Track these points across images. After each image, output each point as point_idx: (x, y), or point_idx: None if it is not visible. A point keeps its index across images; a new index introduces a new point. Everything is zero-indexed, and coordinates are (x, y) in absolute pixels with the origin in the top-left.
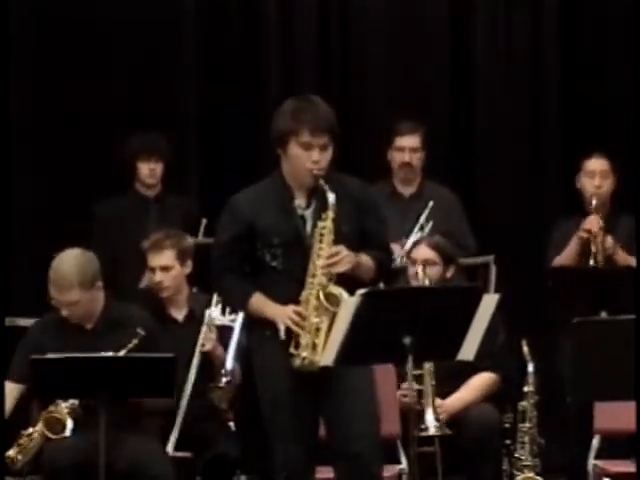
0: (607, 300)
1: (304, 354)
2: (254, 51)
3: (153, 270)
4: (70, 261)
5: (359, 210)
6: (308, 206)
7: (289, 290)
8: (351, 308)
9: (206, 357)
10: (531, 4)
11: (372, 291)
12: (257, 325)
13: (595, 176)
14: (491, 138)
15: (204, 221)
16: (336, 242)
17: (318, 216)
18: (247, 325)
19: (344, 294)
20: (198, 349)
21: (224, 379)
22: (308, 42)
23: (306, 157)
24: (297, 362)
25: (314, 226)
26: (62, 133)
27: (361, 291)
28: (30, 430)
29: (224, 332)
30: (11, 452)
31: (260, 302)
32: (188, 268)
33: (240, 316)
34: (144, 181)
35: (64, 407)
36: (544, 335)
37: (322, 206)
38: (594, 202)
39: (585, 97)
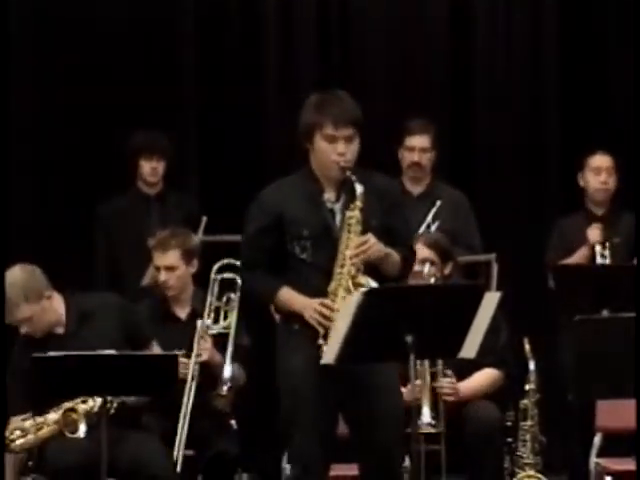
0: (608, 298)
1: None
2: (254, 50)
3: (158, 269)
4: (11, 281)
5: (385, 207)
6: (337, 200)
7: (318, 282)
8: (353, 306)
9: (204, 367)
10: (531, 3)
11: (373, 289)
12: (284, 319)
13: (601, 172)
14: (491, 137)
15: (204, 219)
16: (364, 233)
17: (347, 208)
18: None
19: (372, 283)
20: (193, 360)
21: (225, 387)
22: (308, 42)
23: (331, 150)
24: (322, 361)
25: (343, 219)
26: (62, 132)
27: (363, 289)
28: (41, 419)
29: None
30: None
31: (288, 295)
32: (194, 268)
33: (234, 321)
34: (146, 179)
35: (83, 409)
36: (545, 333)
37: (351, 199)
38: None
39: (585, 96)
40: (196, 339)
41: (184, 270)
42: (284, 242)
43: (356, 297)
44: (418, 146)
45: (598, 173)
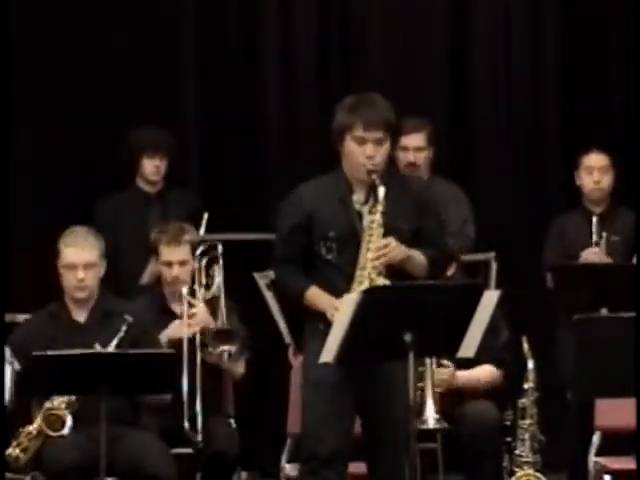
0: (607, 297)
1: None
2: (254, 47)
3: (169, 264)
4: (85, 228)
5: (418, 209)
6: (366, 201)
7: (342, 284)
8: (351, 305)
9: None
10: (531, 1)
11: (372, 288)
12: (311, 317)
13: (593, 171)
14: (491, 135)
15: (205, 216)
16: (390, 236)
17: (370, 209)
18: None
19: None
20: (186, 322)
21: (226, 347)
22: (308, 39)
23: (360, 152)
24: (320, 360)
25: None
26: (62, 130)
27: (361, 288)
28: (30, 428)
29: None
30: (12, 451)
31: (315, 295)
32: (196, 262)
33: (220, 281)
34: (147, 178)
35: (61, 402)
36: (544, 332)
37: (374, 198)
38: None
39: (585, 93)
40: (185, 308)
41: (192, 264)
42: (312, 242)
43: (355, 296)
44: (412, 145)
45: (590, 172)
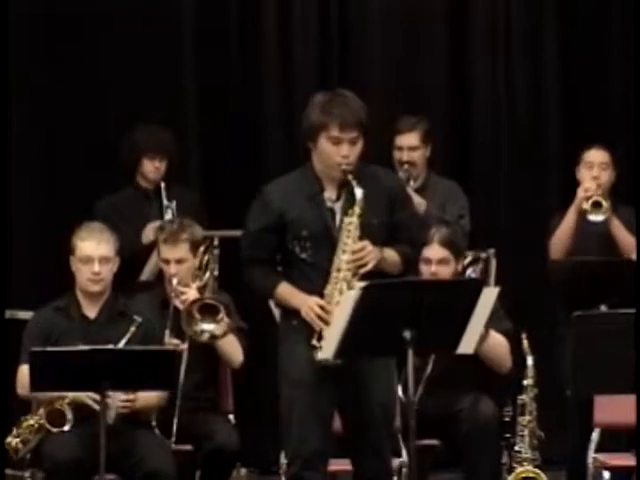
0: (607, 293)
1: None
2: (254, 46)
3: (167, 262)
4: (100, 224)
5: (390, 202)
6: (338, 199)
7: (317, 282)
8: (351, 301)
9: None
10: None
11: (372, 284)
12: (285, 314)
13: (593, 167)
14: (490, 130)
15: (162, 185)
16: (364, 235)
17: (346, 210)
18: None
19: None
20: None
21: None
22: (308, 33)
23: (335, 152)
24: (320, 356)
25: (342, 220)
26: (62, 127)
27: (361, 284)
28: (31, 421)
29: None
30: (12, 441)
31: (287, 291)
32: (198, 259)
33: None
34: (147, 177)
35: (66, 400)
36: (544, 329)
37: (350, 204)
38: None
39: (585, 88)
40: (174, 284)
41: (192, 262)
42: (285, 241)
43: (354, 292)
44: (406, 145)
45: (590, 168)
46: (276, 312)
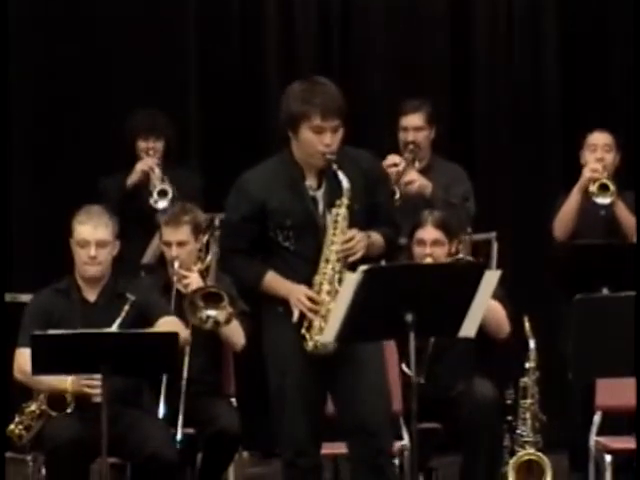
0: (609, 276)
1: (317, 337)
2: (255, 28)
3: (169, 244)
4: (99, 207)
5: (368, 184)
6: (319, 187)
7: (302, 271)
8: (353, 285)
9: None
10: None
11: (374, 268)
12: (269, 301)
13: (597, 149)
14: (491, 113)
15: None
16: (350, 222)
17: (330, 197)
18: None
19: None
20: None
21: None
22: (308, 17)
23: (317, 140)
24: (310, 345)
25: (326, 207)
26: (65, 111)
27: (363, 268)
28: (32, 407)
29: None
30: (15, 428)
31: (274, 280)
32: (199, 243)
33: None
34: (142, 158)
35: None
36: (545, 311)
37: (333, 188)
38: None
39: (587, 72)
40: (175, 267)
41: (193, 245)
42: (266, 229)
43: (356, 275)
44: (411, 125)
45: (594, 150)
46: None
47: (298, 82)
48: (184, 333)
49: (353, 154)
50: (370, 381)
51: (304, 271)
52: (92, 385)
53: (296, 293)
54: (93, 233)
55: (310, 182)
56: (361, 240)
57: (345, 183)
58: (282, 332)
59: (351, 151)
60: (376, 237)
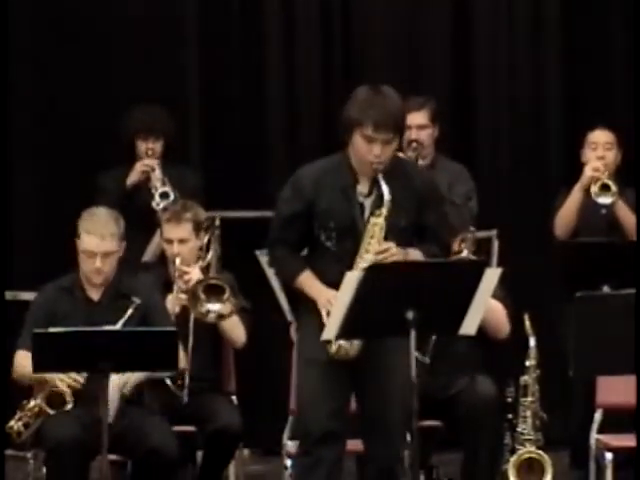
0: (609, 274)
1: (341, 341)
2: (255, 22)
3: (170, 242)
4: (106, 213)
5: (420, 204)
6: (369, 194)
7: (339, 271)
8: (354, 282)
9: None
10: None
11: (375, 265)
12: (304, 296)
13: (598, 147)
14: (493, 111)
15: None
16: (390, 235)
17: (377, 206)
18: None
19: None
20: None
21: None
22: (310, 12)
23: (367, 150)
24: (333, 349)
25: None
26: (63, 106)
27: (364, 265)
28: (31, 403)
29: None
30: (14, 425)
31: (308, 281)
32: (200, 241)
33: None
34: (142, 158)
35: (65, 381)
36: (546, 309)
37: (379, 201)
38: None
39: (588, 69)
40: (177, 264)
41: (194, 243)
42: (312, 228)
43: (357, 273)
44: (415, 123)
45: (595, 148)
46: (279, 293)
47: (364, 87)
48: (183, 362)
49: (409, 170)
50: (394, 382)
51: (341, 272)
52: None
53: (325, 294)
54: (99, 245)
55: (362, 188)
56: (396, 253)
57: (386, 195)
58: (310, 325)
59: (409, 167)
60: (415, 254)
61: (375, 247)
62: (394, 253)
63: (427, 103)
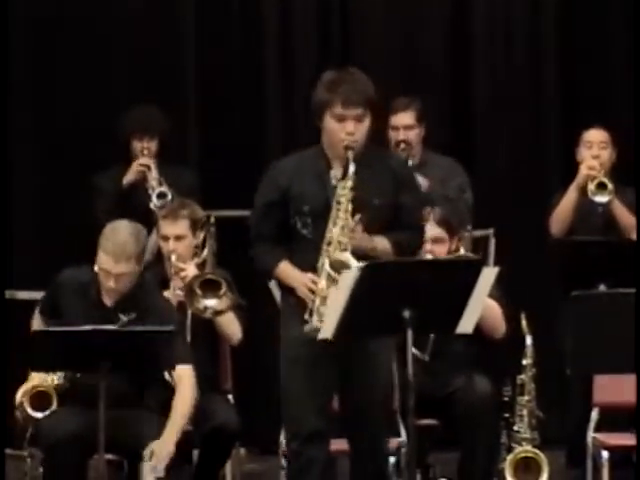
0: (606, 273)
1: (314, 320)
2: (254, 20)
3: (166, 238)
4: (126, 231)
5: (396, 185)
6: (344, 177)
7: (315, 258)
8: (350, 281)
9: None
10: None
11: (372, 264)
12: (284, 293)
13: (593, 146)
14: (490, 109)
15: None
16: (365, 214)
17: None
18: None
19: (352, 261)
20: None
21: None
22: (307, 10)
23: (340, 129)
24: (307, 328)
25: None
26: (63, 106)
27: (360, 264)
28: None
29: None
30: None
31: (286, 270)
32: (197, 239)
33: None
34: (138, 158)
35: (50, 381)
36: (543, 308)
37: (344, 174)
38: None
39: (585, 67)
40: (173, 260)
41: (191, 240)
42: (289, 216)
43: (354, 271)
44: (402, 124)
45: (590, 147)
46: (275, 291)
47: (329, 71)
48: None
49: (384, 153)
50: (378, 382)
51: (317, 259)
52: None
53: (300, 279)
54: (114, 267)
55: (335, 172)
56: (360, 238)
57: (351, 167)
58: (292, 324)
59: (383, 150)
60: (383, 243)
61: (342, 219)
62: (360, 236)
63: (413, 103)
